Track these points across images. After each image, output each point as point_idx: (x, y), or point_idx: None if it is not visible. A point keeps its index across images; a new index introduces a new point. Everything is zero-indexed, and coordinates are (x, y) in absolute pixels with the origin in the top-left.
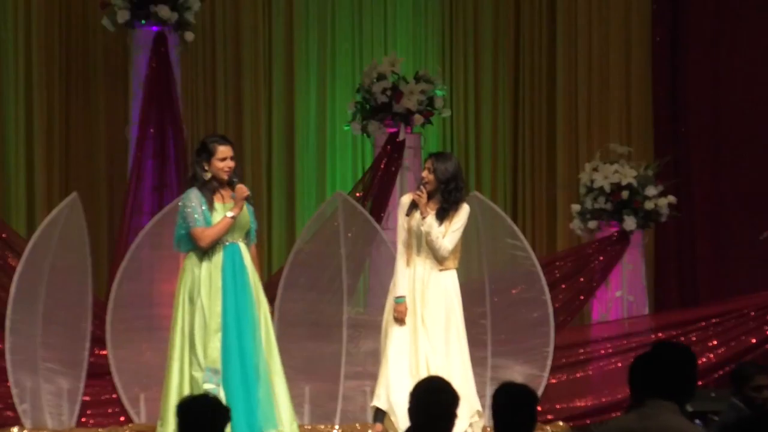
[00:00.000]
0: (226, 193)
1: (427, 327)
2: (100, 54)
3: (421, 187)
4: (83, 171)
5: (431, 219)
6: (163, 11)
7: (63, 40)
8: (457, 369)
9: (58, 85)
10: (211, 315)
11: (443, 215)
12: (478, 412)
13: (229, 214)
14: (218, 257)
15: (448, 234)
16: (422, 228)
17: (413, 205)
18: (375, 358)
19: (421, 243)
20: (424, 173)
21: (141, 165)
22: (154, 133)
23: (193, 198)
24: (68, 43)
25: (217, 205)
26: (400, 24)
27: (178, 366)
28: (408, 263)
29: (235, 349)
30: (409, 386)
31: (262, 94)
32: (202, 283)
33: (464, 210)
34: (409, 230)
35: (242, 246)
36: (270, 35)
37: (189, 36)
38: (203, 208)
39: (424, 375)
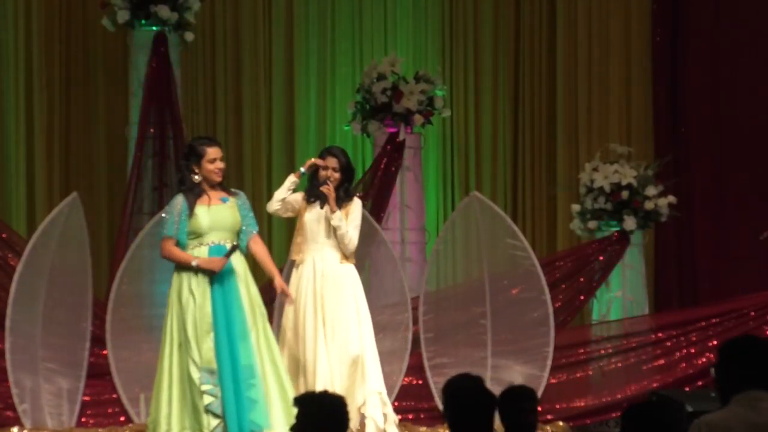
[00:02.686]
0: (215, 194)
1: (327, 322)
2: (100, 54)
3: (328, 181)
4: (83, 171)
5: (340, 213)
6: (163, 11)
7: (63, 40)
8: (370, 359)
9: (58, 85)
10: (202, 316)
11: (340, 207)
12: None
13: (194, 262)
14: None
15: (351, 229)
16: (332, 222)
17: (311, 199)
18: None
19: (320, 236)
20: (330, 171)
21: (141, 165)
22: (154, 133)
23: (176, 205)
24: (68, 43)
25: (200, 208)
26: (400, 24)
27: (167, 366)
28: (301, 258)
29: (226, 350)
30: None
31: (262, 94)
32: (193, 285)
33: (357, 203)
34: (304, 224)
35: (230, 245)
36: (270, 35)
37: (189, 36)
38: (182, 217)
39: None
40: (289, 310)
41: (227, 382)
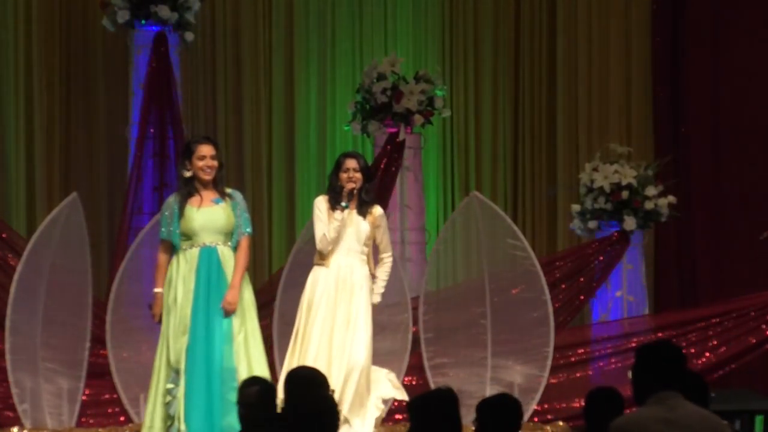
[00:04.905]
0: (207, 195)
1: (353, 321)
2: (100, 54)
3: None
4: (83, 171)
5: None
6: (163, 11)
7: (63, 40)
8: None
9: (58, 85)
10: (181, 316)
11: (365, 210)
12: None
13: (156, 290)
14: (194, 259)
15: (386, 233)
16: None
17: (336, 203)
18: (376, 357)
19: (346, 241)
20: (351, 171)
21: (141, 165)
22: (154, 133)
23: (167, 207)
24: (68, 43)
25: (190, 209)
26: (400, 24)
27: (158, 362)
28: (329, 261)
29: (202, 351)
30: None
31: (262, 94)
32: (179, 285)
33: (383, 214)
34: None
35: (221, 249)
36: (270, 35)
37: (189, 36)
38: (174, 219)
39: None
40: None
41: (199, 383)
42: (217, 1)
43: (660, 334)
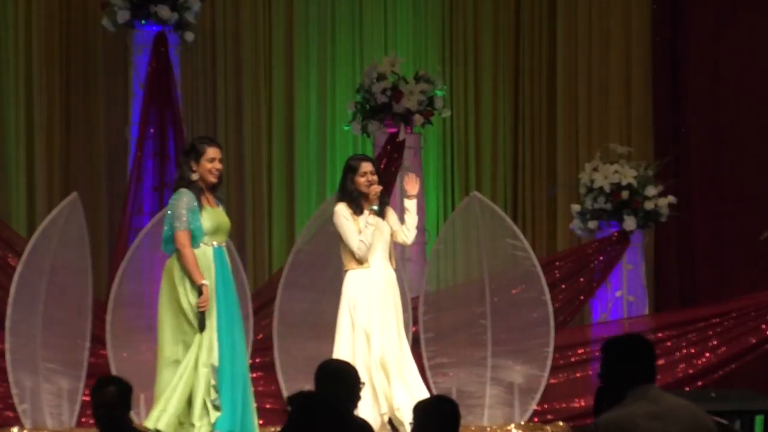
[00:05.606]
0: (210, 196)
1: (399, 327)
2: (100, 54)
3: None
4: (83, 171)
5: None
6: (163, 11)
7: (63, 40)
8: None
9: (58, 85)
10: (209, 315)
11: (383, 212)
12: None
13: (202, 282)
14: (210, 260)
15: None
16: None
17: (356, 208)
18: None
19: (376, 243)
20: (369, 175)
21: (141, 165)
22: (154, 133)
23: (186, 200)
24: (68, 43)
25: (207, 208)
26: (400, 24)
27: (184, 364)
28: (369, 265)
29: (229, 349)
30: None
31: (262, 94)
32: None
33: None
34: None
35: (225, 249)
36: (270, 35)
37: (189, 36)
38: (195, 214)
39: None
40: (359, 311)
41: (227, 382)
42: (217, 1)
43: (660, 334)
